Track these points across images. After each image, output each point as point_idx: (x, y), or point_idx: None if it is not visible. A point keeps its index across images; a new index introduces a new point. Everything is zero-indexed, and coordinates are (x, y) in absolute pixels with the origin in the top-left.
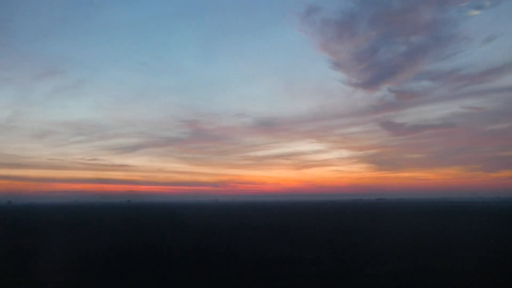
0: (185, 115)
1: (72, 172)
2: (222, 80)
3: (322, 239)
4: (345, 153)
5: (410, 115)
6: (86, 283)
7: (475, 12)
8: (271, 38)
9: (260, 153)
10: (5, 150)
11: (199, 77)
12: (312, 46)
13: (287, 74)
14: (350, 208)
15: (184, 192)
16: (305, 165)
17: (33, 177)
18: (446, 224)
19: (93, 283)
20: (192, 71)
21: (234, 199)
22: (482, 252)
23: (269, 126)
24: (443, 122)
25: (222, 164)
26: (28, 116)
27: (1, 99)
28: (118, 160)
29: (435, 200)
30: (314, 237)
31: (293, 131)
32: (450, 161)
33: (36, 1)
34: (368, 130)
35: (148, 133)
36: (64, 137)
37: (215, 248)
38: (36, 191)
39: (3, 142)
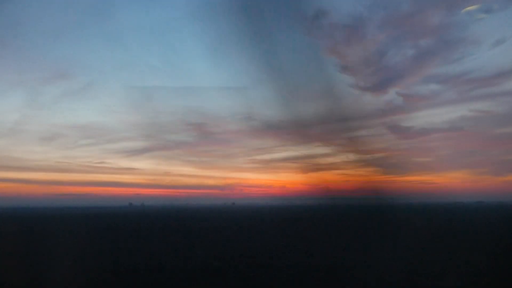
0: (193, 118)
1: (79, 175)
2: (230, 83)
3: None
4: (351, 156)
5: (418, 119)
6: None
7: (484, 16)
8: (279, 41)
9: (267, 156)
10: (13, 153)
11: (207, 80)
12: (320, 49)
13: (295, 77)
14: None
15: (190, 196)
16: (312, 168)
17: (41, 180)
18: None
19: None
20: (200, 74)
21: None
22: None
23: (276, 130)
24: (451, 126)
25: (229, 167)
26: (36, 119)
27: (10, 102)
28: (125, 163)
29: (444, 203)
30: None
31: (300, 135)
32: (458, 164)
33: (45, 5)
34: (375, 133)
35: (155, 136)
36: (72, 140)
37: None
38: (44, 194)
39: (11, 145)
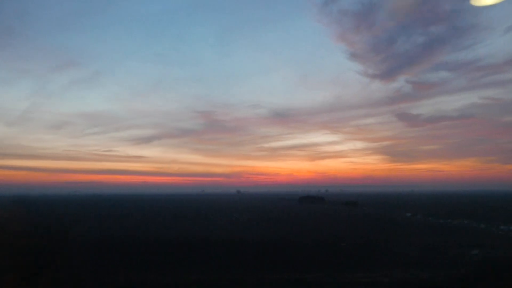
0: (200, 106)
1: (87, 163)
2: (238, 71)
3: None
4: (359, 144)
5: (427, 106)
6: None
7: (496, 1)
8: (288, 29)
9: (274, 144)
10: (22, 141)
11: (215, 68)
12: (329, 37)
13: (304, 65)
14: None
15: (198, 183)
16: (319, 156)
17: (49, 168)
18: None
19: None
20: (208, 62)
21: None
22: None
23: (284, 117)
24: (461, 113)
25: (236, 155)
26: (45, 107)
27: (19, 91)
28: (132, 151)
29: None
30: None
31: (307, 122)
32: (467, 152)
33: None
34: (384, 121)
35: (163, 124)
36: (80, 128)
37: None
38: (52, 182)
39: (20, 133)
